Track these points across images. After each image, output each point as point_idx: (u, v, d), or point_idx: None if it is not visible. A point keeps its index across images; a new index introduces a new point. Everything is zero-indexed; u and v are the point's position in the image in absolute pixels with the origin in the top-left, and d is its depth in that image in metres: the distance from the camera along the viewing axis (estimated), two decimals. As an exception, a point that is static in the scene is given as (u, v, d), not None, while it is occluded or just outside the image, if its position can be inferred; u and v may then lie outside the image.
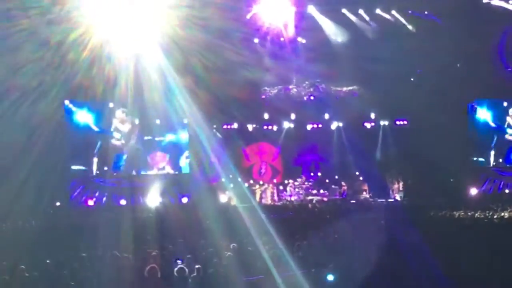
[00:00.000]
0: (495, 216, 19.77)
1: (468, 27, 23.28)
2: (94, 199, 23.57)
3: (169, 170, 24.66)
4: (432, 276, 17.14)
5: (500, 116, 24.51)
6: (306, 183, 26.33)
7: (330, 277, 14.77)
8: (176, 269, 14.08)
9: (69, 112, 23.91)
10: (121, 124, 23.37)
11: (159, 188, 23.51)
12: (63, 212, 21.80)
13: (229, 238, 17.86)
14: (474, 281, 15.52)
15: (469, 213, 20.20)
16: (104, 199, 23.54)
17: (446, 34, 23.85)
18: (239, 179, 25.16)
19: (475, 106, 24.56)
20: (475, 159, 23.62)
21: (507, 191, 22.85)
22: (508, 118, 24.04)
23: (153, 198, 23.39)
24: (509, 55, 24.73)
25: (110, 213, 20.41)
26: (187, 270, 14.48)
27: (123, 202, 23.27)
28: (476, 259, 17.31)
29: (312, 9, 25.28)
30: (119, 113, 23.58)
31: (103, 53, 22.23)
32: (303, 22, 25.47)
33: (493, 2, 23.98)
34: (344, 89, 26.75)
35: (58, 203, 22.89)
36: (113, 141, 23.79)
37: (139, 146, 23.84)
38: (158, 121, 24.07)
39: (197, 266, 14.43)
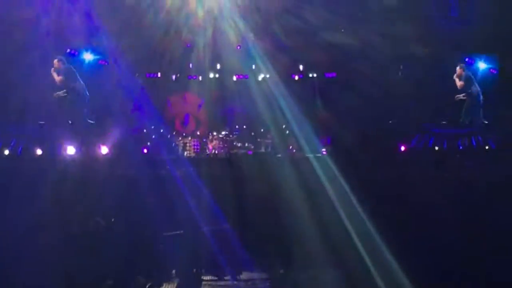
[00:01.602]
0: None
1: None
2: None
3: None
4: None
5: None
6: (231, 136, 25.98)
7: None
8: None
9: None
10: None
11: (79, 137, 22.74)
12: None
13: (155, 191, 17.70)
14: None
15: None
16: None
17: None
18: (162, 130, 24.75)
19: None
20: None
21: (436, 148, 22.71)
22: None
23: (70, 148, 22.63)
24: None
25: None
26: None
27: (39, 151, 22.49)
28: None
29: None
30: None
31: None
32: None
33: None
34: (272, 39, 26.34)
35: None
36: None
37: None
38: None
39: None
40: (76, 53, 23.72)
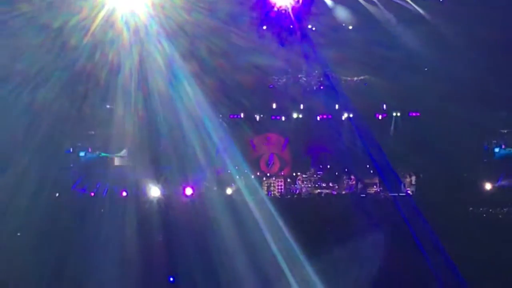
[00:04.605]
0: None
1: (484, 13, 23.08)
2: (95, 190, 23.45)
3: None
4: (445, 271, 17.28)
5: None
6: (315, 175, 26.14)
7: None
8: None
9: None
10: None
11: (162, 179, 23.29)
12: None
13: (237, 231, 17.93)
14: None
15: (482, 209, 20.30)
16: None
17: (461, 21, 23.68)
18: (246, 171, 25.01)
19: None
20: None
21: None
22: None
23: (155, 189, 23.17)
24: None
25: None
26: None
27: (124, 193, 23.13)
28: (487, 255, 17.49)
29: (323, -6, 25.07)
30: None
31: (106, 39, 22.17)
32: (314, 8, 25.16)
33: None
34: (355, 78, 26.53)
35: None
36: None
37: None
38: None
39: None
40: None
